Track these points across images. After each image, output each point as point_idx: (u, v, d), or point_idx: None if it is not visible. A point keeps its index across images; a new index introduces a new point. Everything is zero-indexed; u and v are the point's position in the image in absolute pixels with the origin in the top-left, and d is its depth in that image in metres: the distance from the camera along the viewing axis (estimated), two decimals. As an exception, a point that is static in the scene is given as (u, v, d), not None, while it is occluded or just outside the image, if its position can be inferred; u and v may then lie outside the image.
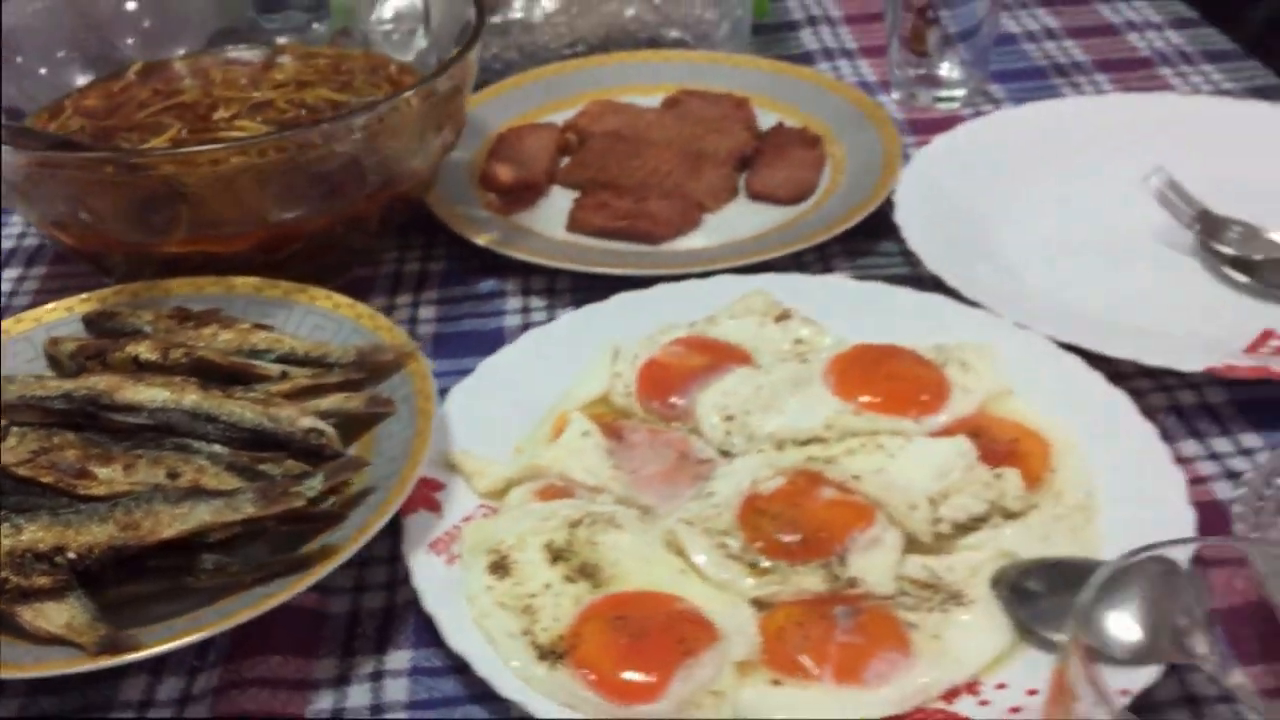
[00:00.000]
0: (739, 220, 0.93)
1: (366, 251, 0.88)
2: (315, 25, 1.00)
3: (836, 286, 0.82)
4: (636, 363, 0.75)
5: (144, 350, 0.70)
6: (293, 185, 0.76)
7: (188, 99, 0.93)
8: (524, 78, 1.09)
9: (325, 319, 0.75)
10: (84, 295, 0.78)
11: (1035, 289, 0.82)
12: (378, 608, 0.64)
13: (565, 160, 1.01)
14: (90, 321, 0.76)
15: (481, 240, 0.88)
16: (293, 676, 0.60)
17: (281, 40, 1.00)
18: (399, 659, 0.61)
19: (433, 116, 0.82)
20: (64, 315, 0.77)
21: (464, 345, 0.82)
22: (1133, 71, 1.12)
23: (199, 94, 0.94)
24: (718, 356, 0.75)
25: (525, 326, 0.84)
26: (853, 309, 0.79)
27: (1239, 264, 0.83)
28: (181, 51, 0.98)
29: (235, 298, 0.77)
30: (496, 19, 1.11)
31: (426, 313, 0.86)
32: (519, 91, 1.07)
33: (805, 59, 1.18)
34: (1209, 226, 0.85)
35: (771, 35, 1.23)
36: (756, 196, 0.95)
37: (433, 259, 0.92)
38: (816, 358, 0.74)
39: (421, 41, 0.95)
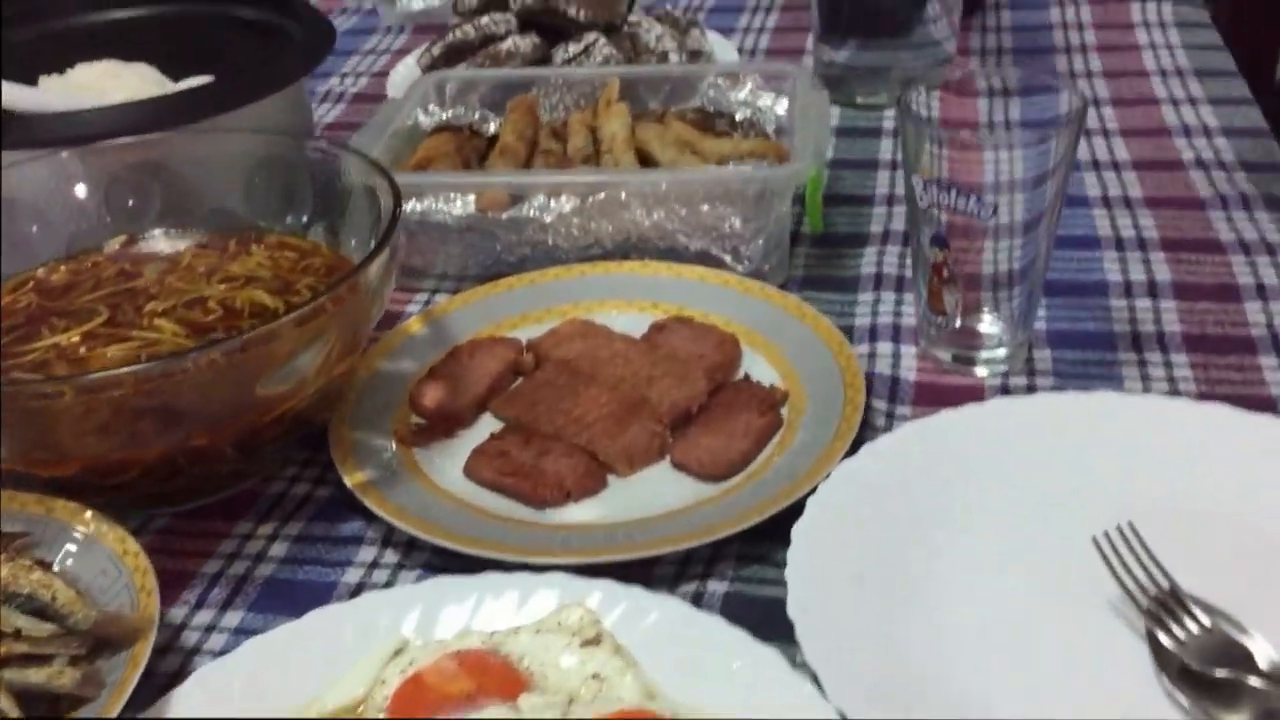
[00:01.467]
0: (649, 492, 0.82)
1: (240, 474, 0.84)
2: (290, 218, 0.98)
3: (672, 613, 0.70)
4: (405, 673, 0.67)
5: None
6: (105, 421, 0.73)
7: (140, 284, 0.93)
8: (516, 280, 1.03)
9: (112, 565, 0.72)
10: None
11: (900, 666, 0.66)
12: None
13: (519, 382, 0.94)
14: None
15: (349, 480, 0.82)
16: None
17: (265, 224, 0.99)
18: None
19: (302, 343, 0.77)
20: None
21: (290, 600, 0.76)
22: (1222, 355, 0.92)
23: (153, 279, 0.94)
24: (485, 685, 0.65)
25: (360, 588, 0.77)
26: (677, 647, 0.67)
27: (1187, 676, 0.64)
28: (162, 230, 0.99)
29: (52, 521, 0.75)
30: (505, 216, 1.05)
31: (278, 550, 0.81)
32: (500, 297, 1.01)
33: (850, 284, 1.05)
34: (1166, 610, 0.67)
35: (829, 251, 1.10)
36: (676, 465, 0.84)
37: (325, 483, 0.87)
38: (584, 710, 0.63)
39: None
